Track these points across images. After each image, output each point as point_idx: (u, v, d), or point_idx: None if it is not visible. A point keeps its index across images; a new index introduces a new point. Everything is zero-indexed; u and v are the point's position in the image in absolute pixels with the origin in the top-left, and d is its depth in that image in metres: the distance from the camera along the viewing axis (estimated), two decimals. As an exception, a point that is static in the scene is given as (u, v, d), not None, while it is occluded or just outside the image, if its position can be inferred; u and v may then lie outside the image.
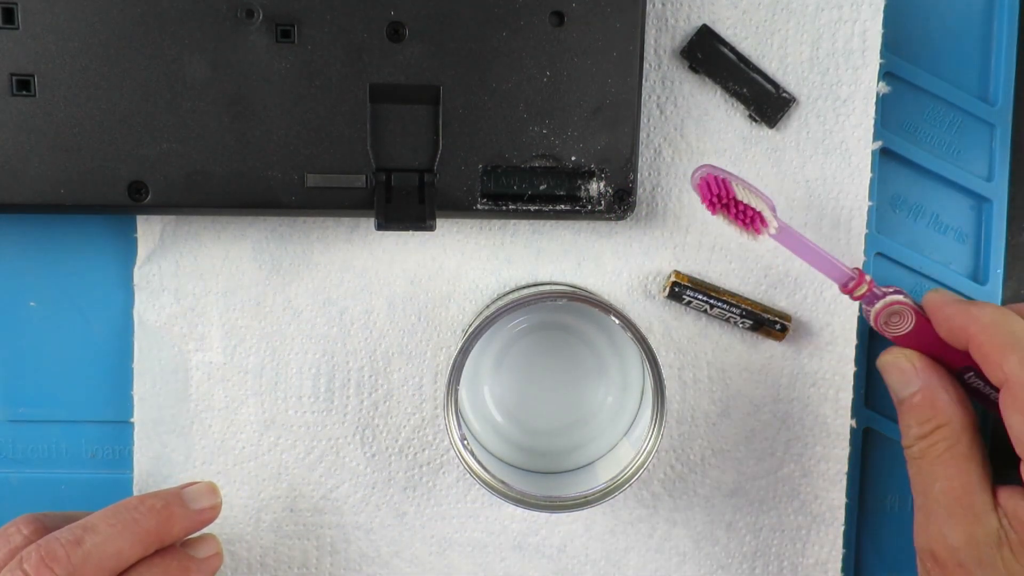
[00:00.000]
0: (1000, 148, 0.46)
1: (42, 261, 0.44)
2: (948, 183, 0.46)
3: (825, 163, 0.44)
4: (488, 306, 0.43)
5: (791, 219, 0.45)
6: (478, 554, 0.46)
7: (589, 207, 0.42)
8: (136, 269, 0.44)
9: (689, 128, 0.44)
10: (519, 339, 0.44)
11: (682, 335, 0.45)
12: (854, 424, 0.46)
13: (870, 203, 0.45)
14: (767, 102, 0.43)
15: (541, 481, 0.43)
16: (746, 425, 0.46)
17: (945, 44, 0.46)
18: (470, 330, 0.40)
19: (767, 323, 0.44)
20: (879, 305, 0.42)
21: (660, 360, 0.39)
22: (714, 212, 0.41)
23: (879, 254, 0.46)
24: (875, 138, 0.45)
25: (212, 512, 0.40)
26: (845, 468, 0.46)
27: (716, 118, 0.44)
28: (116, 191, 0.39)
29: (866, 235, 0.45)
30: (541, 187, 0.41)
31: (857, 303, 0.45)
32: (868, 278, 0.42)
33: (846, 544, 0.47)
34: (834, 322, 0.45)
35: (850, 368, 0.46)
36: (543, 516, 0.46)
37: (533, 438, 0.45)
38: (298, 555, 0.46)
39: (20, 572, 0.35)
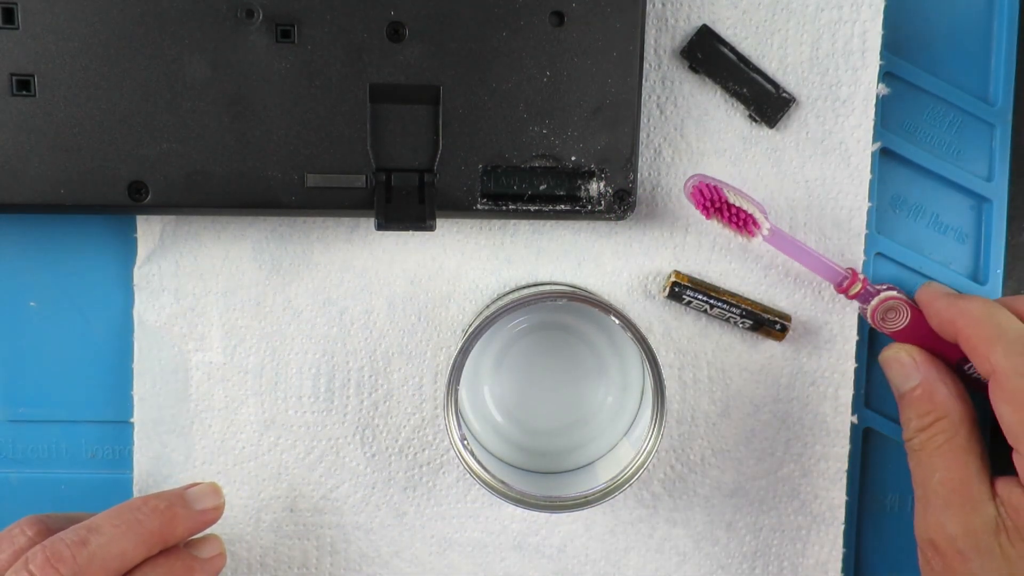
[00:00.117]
0: (1000, 148, 0.46)
1: (42, 261, 0.44)
2: (948, 183, 0.46)
3: (825, 163, 0.44)
4: (488, 306, 0.43)
5: (791, 219, 0.45)
6: (478, 554, 0.46)
7: (589, 207, 0.42)
8: (136, 269, 0.44)
9: (689, 128, 0.44)
10: (519, 339, 0.44)
11: (682, 335, 0.45)
12: (855, 420, 0.46)
13: (869, 203, 0.45)
14: (767, 102, 0.43)
15: (541, 481, 0.43)
16: (746, 425, 0.46)
17: (945, 44, 0.46)
18: (470, 330, 0.40)
19: (767, 323, 0.44)
20: (874, 302, 0.44)
21: (660, 360, 0.39)
22: (708, 217, 0.41)
23: (879, 254, 0.46)
24: (875, 138, 0.45)
25: (215, 513, 0.40)
26: (845, 466, 0.46)
27: (716, 118, 0.44)
28: (116, 191, 0.39)
29: (866, 235, 0.45)
30: (541, 187, 0.41)
31: (856, 302, 0.45)
32: (862, 277, 0.43)
33: (846, 543, 0.47)
34: (833, 321, 0.45)
35: (850, 365, 0.46)
36: (543, 516, 0.46)
37: (533, 438, 0.45)
38: (298, 555, 0.46)
39: (25, 572, 0.35)
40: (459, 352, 0.39)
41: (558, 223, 0.44)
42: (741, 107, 0.44)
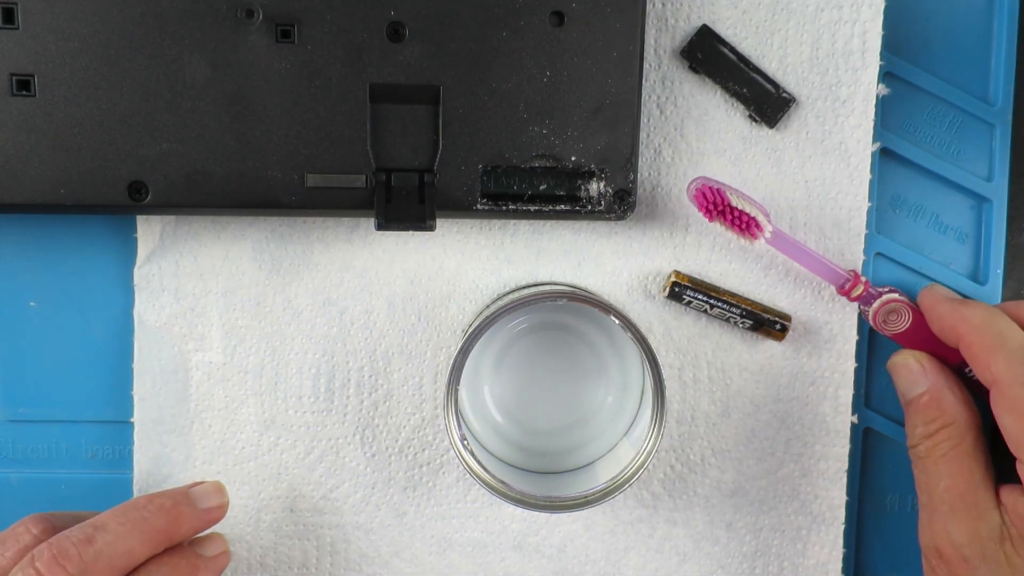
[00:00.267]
0: (1000, 148, 0.46)
1: (42, 261, 0.44)
2: (948, 183, 0.46)
3: (825, 163, 0.44)
4: (488, 306, 0.43)
5: (791, 219, 0.45)
6: (478, 554, 0.46)
7: (589, 207, 0.42)
8: (136, 269, 0.44)
9: (689, 128, 0.44)
10: (519, 339, 0.44)
11: (682, 335, 0.45)
12: (855, 420, 0.46)
13: (869, 203, 0.45)
14: (767, 102, 0.43)
15: (541, 481, 0.43)
16: (746, 425, 0.46)
17: (945, 44, 0.46)
18: (470, 330, 0.40)
19: (767, 323, 0.44)
20: (876, 304, 0.44)
21: (660, 360, 0.39)
22: (711, 219, 0.41)
23: (879, 254, 0.46)
24: (875, 138, 0.45)
25: (219, 511, 0.41)
26: (845, 466, 0.46)
27: (716, 118, 0.44)
28: (116, 191, 0.39)
29: (866, 235, 0.45)
30: (541, 187, 0.41)
31: (857, 304, 0.45)
32: (864, 279, 0.43)
33: (846, 543, 0.47)
34: (833, 321, 0.45)
35: (850, 365, 0.46)
36: (543, 516, 0.46)
37: (533, 438, 0.45)
38: (298, 555, 0.46)
39: (32, 570, 0.35)
40: (459, 352, 0.39)
41: (558, 223, 0.44)
42: (741, 107, 0.44)
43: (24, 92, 0.38)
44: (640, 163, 0.43)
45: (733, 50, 0.43)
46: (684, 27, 0.43)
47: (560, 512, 0.40)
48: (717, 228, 0.44)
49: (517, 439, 0.44)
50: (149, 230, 0.43)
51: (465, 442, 0.39)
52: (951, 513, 0.40)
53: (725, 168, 0.44)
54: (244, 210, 0.41)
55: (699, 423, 0.46)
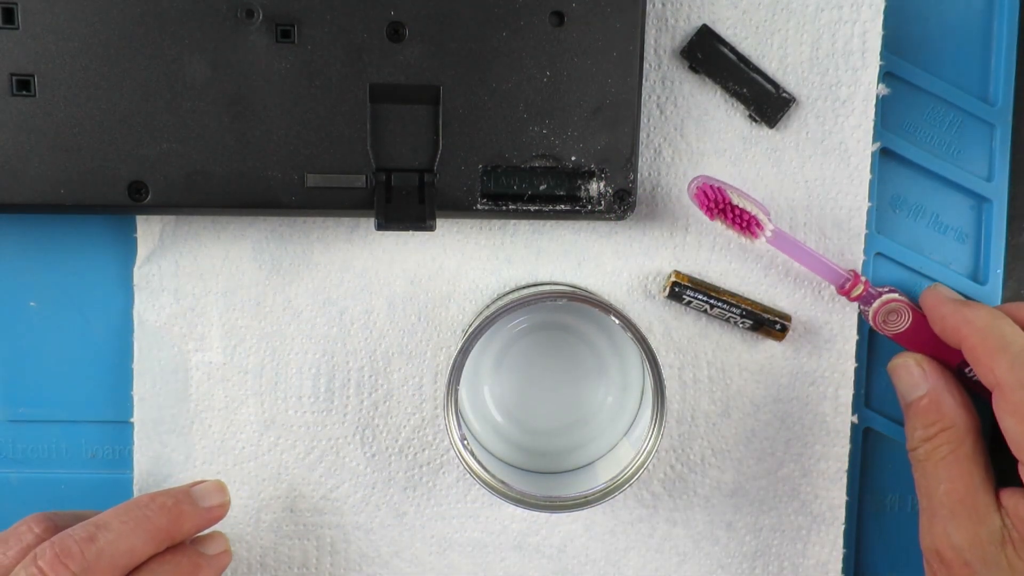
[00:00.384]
0: (1000, 148, 0.46)
1: (42, 261, 0.44)
2: (948, 183, 0.46)
3: (824, 163, 0.44)
4: (488, 306, 0.43)
5: (791, 219, 0.45)
6: (478, 554, 0.46)
7: (589, 207, 0.42)
8: (136, 269, 0.44)
9: (689, 128, 0.44)
10: (519, 339, 0.44)
11: (682, 335, 0.45)
12: (855, 420, 0.46)
13: (869, 203, 0.45)
14: (767, 102, 0.43)
15: (541, 481, 0.43)
16: (746, 425, 0.46)
17: (945, 44, 0.46)
18: (470, 330, 0.40)
19: (767, 323, 0.44)
20: (876, 304, 0.44)
21: (660, 360, 0.39)
22: (712, 218, 0.41)
23: (879, 254, 0.46)
24: (875, 138, 0.45)
25: (221, 510, 0.41)
26: (845, 466, 0.46)
27: (716, 118, 0.44)
28: (116, 191, 0.39)
29: (866, 235, 0.45)
30: (541, 187, 0.41)
31: (857, 303, 0.45)
32: (863, 279, 0.43)
33: (846, 543, 0.47)
34: (833, 321, 0.45)
35: (850, 365, 0.46)
36: (543, 516, 0.46)
37: (533, 438, 0.45)
38: (298, 555, 0.46)
39: (35, 568, 0.35)
40: (459, 352, 0.39)
41: (558, 223, 0.44)
42: (741, 107, 0.44)
43: (24, 92, 0.38)
44: (640, 163, 0.43)
45: (733, 50, 0.43)
46: (684, 27, 0.43)
47: (560, 512, 0.40)
48: (717, 228, 0.44)
49: (517, 439, 0.44)
50: (149, 230, 0.43)
51: (465, 442, 0.39)
52: (951, 517, 0.40)
53: (725, 168, 0.44)
54: (244, 210, 0.41)
55: (699, 423, 0.46)
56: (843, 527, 0.47)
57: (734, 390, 0.46)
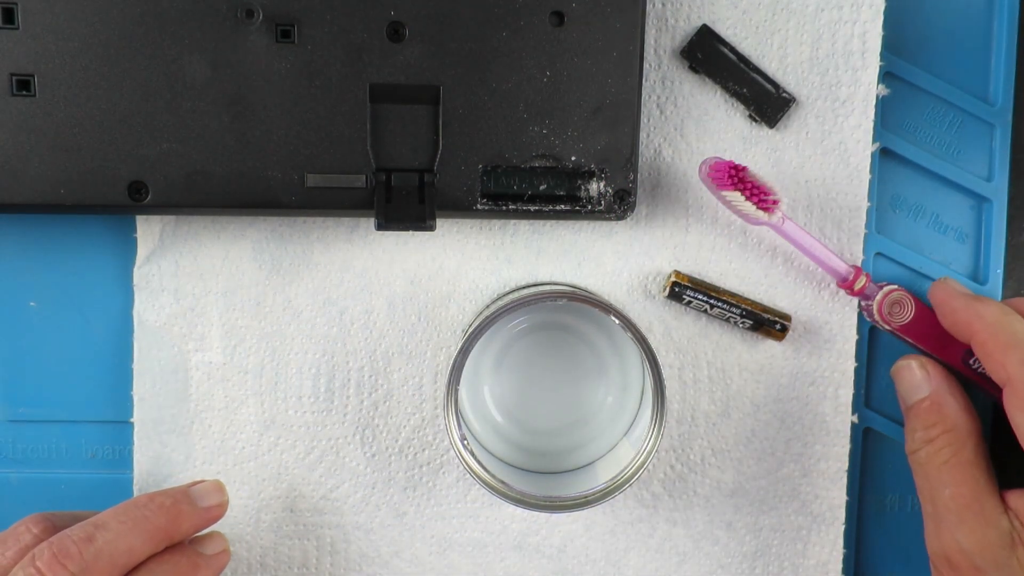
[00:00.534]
0: (1000, 148, 0.46)
1: (42, 261, 0.44)
2: (948, 183, 0.46)
3: (824, 163, 0.44)
4: (488, 306, 0.43)
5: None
6: (478, 554, 0.46)
7: (589, 207, 0.42)
8: (136, 269, 0.44)
9: (689, 128, 0.44)
10: (519, 339, 0.44)
11: (682, 335, 0.45)
12: (855, 420, 0.46)
13: (869, 203, 0.45)
14: (767, 102, 0.43)
15: (541, 481, 0.43)
16: (746, 425, 0.46)
17: (945, 44, 0.46)
18: (470, 330, 0.40)
19: (767, 323, 0.44)
20: (880, 295, 0.44)
21: (660, 360, 0.39)
22: (728, 189, 0.40)
23: (879, 254, 0.46)
24: (875, 138, 0.45)
25: (219, 510, 0.41)
26: (845, 466, 0.46)
27: (716, 118, 0.44)
28: (116, 191, 0.39)
29: (866, 235, 0.45)
30: (541, 187, 0.41)
31: (856, 301, 0.45)
32: (865, 274, 0.43)
33: (846, 543, 0.47)
34: (833, 321, 0.45)
35: (850, 365, 0.46)
36: (543, 516, 0.46)
37: (533, 438, 0.45)
38: (298, 555, 0.46)
39: (32, 569, 0.35)
40: (459, 352, 0.39)
41: (558, 223, 0.44)
42: (741, 107, 0.44)
43: (24, 92, 0.38)
44: (640, 163, 0.43)
45: (733, 50, 0.43)
46: (684, 27, 0.43)
47: (560, 512, 0.40)
48: (717, 228, 0.44)
49: (517, 439, 0.44)
50: (149, 230, 0.43)
51: (465, 442, 0.39)
52: (959, 522, 0.40)
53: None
54: (244, 210, 0.41)
55: (699, 423, 0.46)
56: (843, 527, 0.47)
57: (734, 390, 0.46)
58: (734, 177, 0.40)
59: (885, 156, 0.46)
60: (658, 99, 0.44)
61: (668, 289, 0.44)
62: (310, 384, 0.45)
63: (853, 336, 0.46)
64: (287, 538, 0.46)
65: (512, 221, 0.44)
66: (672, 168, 0.44)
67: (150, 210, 0.40)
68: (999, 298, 0.46)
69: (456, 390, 0.39)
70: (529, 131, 0.41)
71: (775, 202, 0.41)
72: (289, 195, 0.40)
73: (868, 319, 0.45)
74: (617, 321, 0.39)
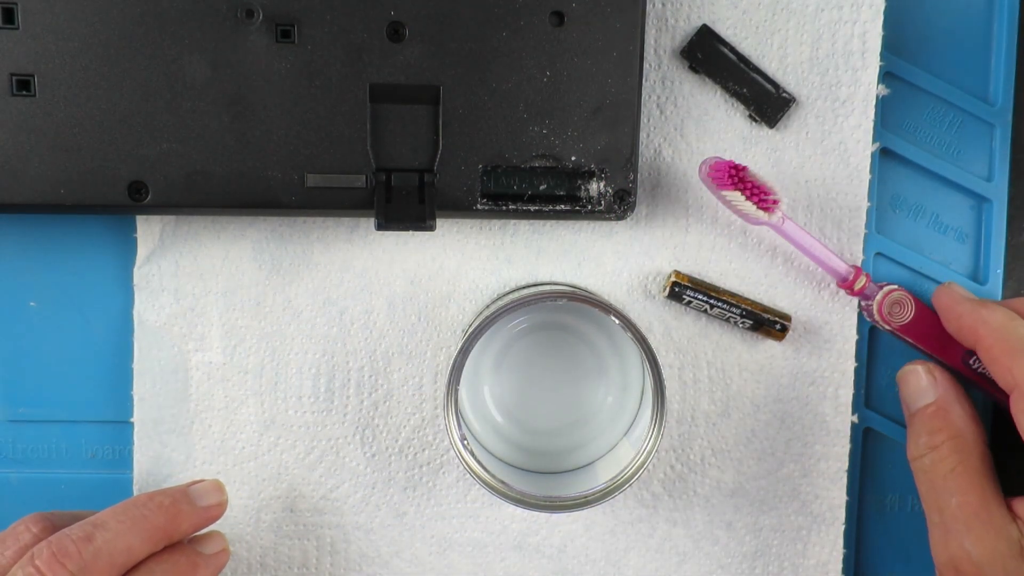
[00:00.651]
0: (1000, 148, 0.46)
1: (42, 261, 0.44)
2: (948, 183, 0.46)
3: (825, 163, 0.44)
4: (488, 306, 0.43)
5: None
6: (478, 554, 0.46)
7: (589, 207, 0.42)
8: (136, 269, 0.44)
9: (689, 128, 0.44)
10: (519, 339, 0.44)
11: (682, 335, 0.45)
12: (855, 420, 0.46)
13: (869, 203, 0.45)
14: (767, 102, 0.43)
15: (541, 481, 0.43)
16: (746, 425, 0.46)
17: (945, 44, 0.46)
18: (470, 330, 0.40)
19: (767, 323, 0.44)
20: (880, 295, 0.44)
21: (660, 360, 0.39)
22: (728, 188, 0.40)
23: (879, 254, 0.46)
24: (875, 138, 0.45)
25: (218, 509, 0.41)
26: (846, 466, 0.46)
27: (716, 118, 0.44)
28: (116, 191, 0.39)
29: (866, 235, 0.45)
30: (541, 187, 0.41)
31: (856, 301, 0.45)
32: (865, 274, 0.43)
33: (846, 543, 0.47)
34: (833, 321, 0.45)
35: (850, 365, 0.46)
36: (543, 516, 0.46)
37: (533, 438, 0.45)
38: (298, 555, 0.46)
39: (32, 568, 0.35)
40: (459, 352, 0.39)
41: (558, 223, 0.44)
42: (741, 107, 0.44)
43: (24, 92, 0.38)
44: (640, 163, 0.43)
45: (733, 50, 0.43)
46: (684, 27, 0.43)
47: (560, 512, 0.40)
48: (717, 228, 0.44)
49: (517, 439, 0.44)
50: (149, 230, 0.43)
51: (465, 442, 0.39)
52: (967, 531, 0.39)
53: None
54: (244, 210, 0.41)
55: (699, 423, 0.46)
56: (843, 527, 0.47)
57: (734, 390, 0.46)
58: (734, 177, 0.40)
59: (885, 156, 0.46)
60: (658, 99, 0.44)
61: (668, 289, 0.44)
62: (310, 384, 0.45)
63: (853, 336, 0.46)
64: (287, 538, 0.46)
65: (512, 221, 0.44)
66: (672, 168, 0.44)
67: (150, 210, 0.40)
68: (999, 298, 0.46)
69: (456, 390, 0.39)
70: (529, 131, 0.41)
71: (775, 202, 0.41)
72: (289, 195, 0.40)
73: (868, 319, 0.45)
74: (617, 321, 0.39)
